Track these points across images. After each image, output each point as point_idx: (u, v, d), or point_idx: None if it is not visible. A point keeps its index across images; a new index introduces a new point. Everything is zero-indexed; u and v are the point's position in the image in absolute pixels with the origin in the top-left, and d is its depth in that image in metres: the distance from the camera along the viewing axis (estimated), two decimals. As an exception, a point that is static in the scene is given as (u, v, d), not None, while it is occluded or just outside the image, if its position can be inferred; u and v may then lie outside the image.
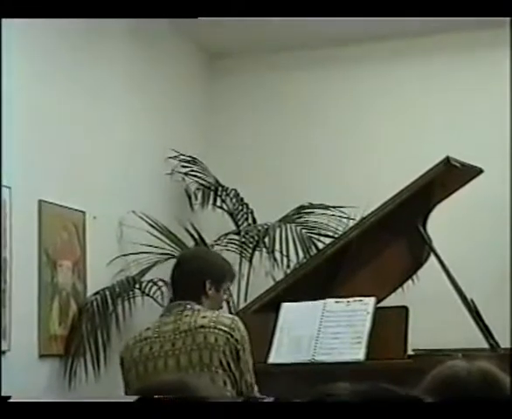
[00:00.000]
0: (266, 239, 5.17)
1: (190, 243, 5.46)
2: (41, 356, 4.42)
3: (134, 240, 5.09)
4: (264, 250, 5.23)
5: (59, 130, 4.65)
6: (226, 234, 5.43)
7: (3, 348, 4.10)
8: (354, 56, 5.91)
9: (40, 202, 4.46)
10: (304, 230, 5.26)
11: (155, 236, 5.22)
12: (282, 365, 3.50)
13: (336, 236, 4.88)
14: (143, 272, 5.04)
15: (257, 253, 5.30)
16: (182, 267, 3.18)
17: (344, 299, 3.75)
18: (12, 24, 4.08)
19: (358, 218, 4.65)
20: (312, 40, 5.83)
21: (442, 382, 1.56)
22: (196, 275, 3.09)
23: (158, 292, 5.09)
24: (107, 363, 4.71)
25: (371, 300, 3.70)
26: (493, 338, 3.94)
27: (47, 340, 4.45)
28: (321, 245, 5.04)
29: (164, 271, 5.16)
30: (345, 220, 5.26)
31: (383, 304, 3.92)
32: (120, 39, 5.23)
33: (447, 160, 3.95)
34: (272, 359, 3.64)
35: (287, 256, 5.15)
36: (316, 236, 5.26)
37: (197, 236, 5.49)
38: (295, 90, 6.01)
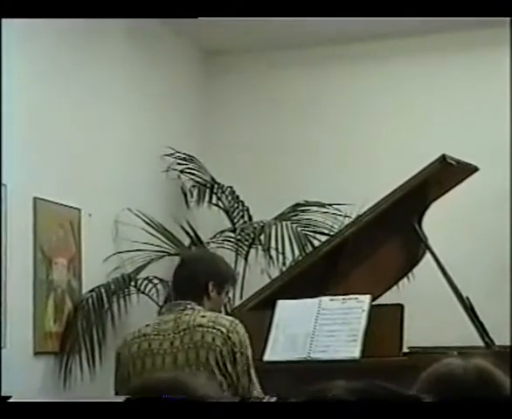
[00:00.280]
0: (262, 237, 5.17)
1: (186, 241, 5.46)
2: (36, 353, 4.42)
3: (130, 238, 5.08)
4: (259, 247, 5.23)
5: (55, 128, 4.65)
6: (222, 231, 5.43)
7: (-2, 346, 4.10)
8: (351, 54, 5.91)
9: (35, 199, 4.45)
10: (300, 228, 5.26)
11: (150, 233, 5.22)
12: (278, 362, 3.50)
13: (332, 233, 4.88)
14: (139, 270, 5.04)
15: (252, 251, 5.29)
16: (185, 267, 3.19)
17: (340, 297, 3.75)
18: (12, 24, 4.07)
19: (354, 216, 4.65)
20: (309, 38, 5.83)
21: (437, 380, 1.56)
22: (199, 276, 3.10)
23: (153, 290, 5.09)
24: (103, 360, 4.71)
25: (367, 298, 3.70)
26: (488, 335, 3.94)
27: (42, 337, 4.45)
28: (316, 243, 5.05)
29: (160, 268, 5.17)
30: (341, 218, 5.26)
31: (378, 301, 3.92)
32: (116, 38, 5.22)
33: (443, 158, 3.95)
34: (267, 356, 3.64)
35: (283, 253, 5.15)
36: (312, 234, 5.26)
37: (192, 233, 5.49)
38: (292, 88, 6.01)
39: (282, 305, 3.82)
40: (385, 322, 3.62)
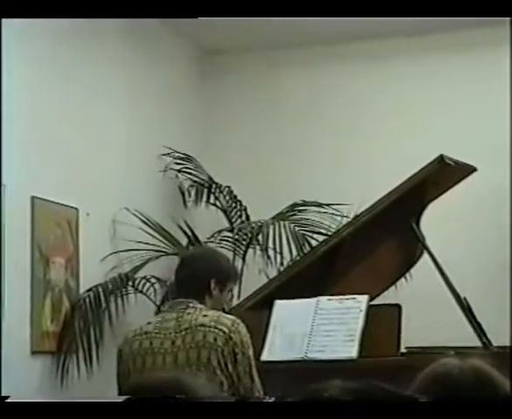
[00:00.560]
0: (260, 236, 5.17)
1: (184, 241, 5.46)
2: (33, 353, 4.41)
3: (128, 237, 5.08)
4: (257, 247, 5.23)
5: (53, 128, 4.65)
6: (220, 231, 5.43)
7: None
8: (350, 54, 5.90)
9: (33, 198, 4.45)
10: (297, 228, 5.26)
11: (148, 233, 5.22)
12: (275, 362, 3.50)
13: (330, 233, 4.87)
14: (136, 269, 5.04)
15: (250, 250, 5.29)
16: (187, 265, 3.17)
17: (337, 297, 3.75)
18: (11, 24, 4.07)
19: (352, 216, 4.65)
20: (308, 38, 5.82)
21: (434, 380, 1.56)
22: (201, 274, 3.08)
23: (151, 289, 5.09)
24: (100, 360, 4.70)
25: (364, 298, 3.70)
26: (485, 336, 3.94)
27: (39, 336, 4.45)
28: (314, 243, 5.04)
29: (157, 268, 5.17)
30: (339, 218, 5.26)
31: (376, 301, 3.92)
32: (114, 38, 5.22)
33: (441, 158, 3.95)
34: (265, 356, 3.64)
35: (281, 253, 5.15)
36: (310, 234, 5.26)
37: (190, 233, 5.49)
38: (290, 88, 6.01)
39: (280, 304, 3.82)
40: (383, 322, 3.62)
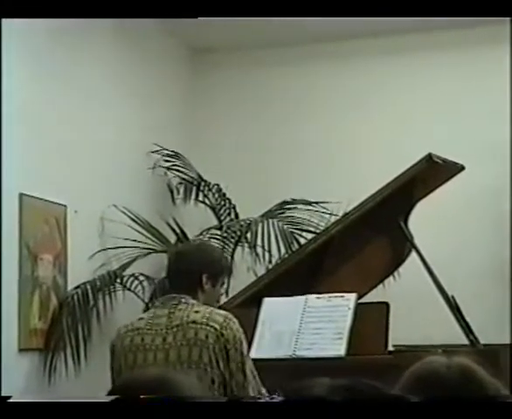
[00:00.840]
0: (249, 234, 5.17)
1: (172, 238, 5.45)
2: (21, 350, 4.40)
3: (116, 234, 5.07)
4: (246, 245, 5.23)
5: (41, 125, 4.63)
6: (208, 229, 5.42)
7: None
8: (339, 53, 5.91)
9: (21, 195, 4.43)
10: (286, 226, 5.26)
11: (136, 230, 5.21)
12: (263, 360, 3.50)
13: (318, 231, 4.88)
14: (124, 267, 5.03)
15: (239, 248, 5.29)
16: (179, 260, 3.14)
17: (326, 295, 3.75)
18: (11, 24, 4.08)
19: (340, 214, 4.66)
20: (296, 36, 5.83)
21: (421, 378, 1.56)
22: (192, 269, 3.05)
23: (139, 287, 5.08)
24: (88, 357, 4.70)
25: (353, 296, 3.70)
26: (473, 334, 3.96)
27: (27, 334, 4.43)
28: (303, 241, 5.05)
29: (145, 265, 5.16)
30: (327, 216, 5.26)
31: (364, 299, 3.93)
32: (104, 36, 5.21)
33: (429, 156, 3.96)
34: (253, 354, 3.63)
35: (269, 251, 5.16)
36: (298, 232, 5.26)
37: (178, 230, 5.48)
38: (278, 86, 6.01)
39: (268, 302, 3.82)
40: (371, 320, 3.63)
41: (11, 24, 4.17)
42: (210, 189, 5.56)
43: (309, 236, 5.00)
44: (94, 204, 5.00)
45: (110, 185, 5.17)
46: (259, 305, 3.82)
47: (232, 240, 5.30)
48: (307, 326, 3.69)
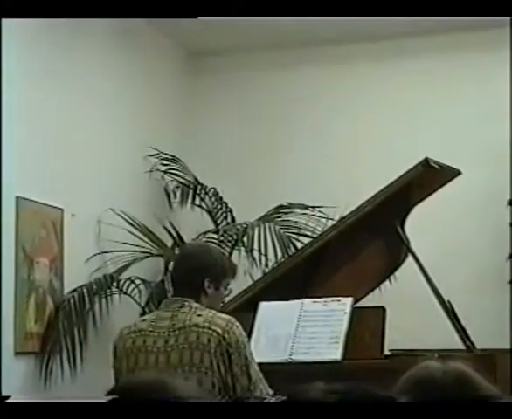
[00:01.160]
0: (245, 238, 5.17)
1: (169, 242, 5.45)
2: (17, 353, 4.39)
3: (113, 238, 5.07)
4: (242, 249, 5.23)
5: (38, 128, 4.63)
6: (205, 233, 5.42)
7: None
8: (336, 55, 5.91)
9: (18, 198, 4.43)
10: (283, 230, 5.26)
11: (133, 234, 5.21)
12: (259, 364, 3.50)
13: (315, 236, 4.88)
14: (121, 270, 5.03)
15: (235, 252, 5.29)
16: (182, 263, 3.12)
17: (322, 299, 3.75)
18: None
19: (337, 218, 4.66)
20: (292, 40, 5.83)
21: (416, 383, 1.56)
22: (194, 273, 3.04)
23: (136, 290, 5.08)
24: (84, 361, 4.69)
25: (349, 300, 3.70)
26: (469, 339, 3.96)
27: (23, 337, 4.43)
28: (299, 245, 5.05)
29: (142, 269, 5.16)
30: (324, 220, 5.26)
31: (360, 304, 3.93)
32: (100, 37, 5.21)
33: (426, 161, 3.96)
34: (249, 358, 3.63)
35: (266, 255, 5.15)
36: (295, 236, 5.26)
37: (175, 234, 5.48)
38: (275, 89, 6.01)
39: (264, 306, 3.82)
40: (367, 324, 3.63)
41: (11, 24, 4.16)
42: (206, 193, 5.56)
43: (306, 240, 5.00)
44: (91, 208, 5.00)
45: (107, 189, 5.17)
46: (255, 309, 3.82)
47: (229, 244, 5.30)
48: (304, 331, 3.69)
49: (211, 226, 5.53)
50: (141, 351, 2.97)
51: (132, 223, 5.22)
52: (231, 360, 2.90)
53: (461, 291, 4.92)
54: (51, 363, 4.58)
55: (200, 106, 6.10)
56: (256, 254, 5.17)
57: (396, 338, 3.92)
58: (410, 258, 4.17)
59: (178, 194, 5.62)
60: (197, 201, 5.58)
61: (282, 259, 4.97)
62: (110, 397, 1.52)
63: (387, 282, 4.41)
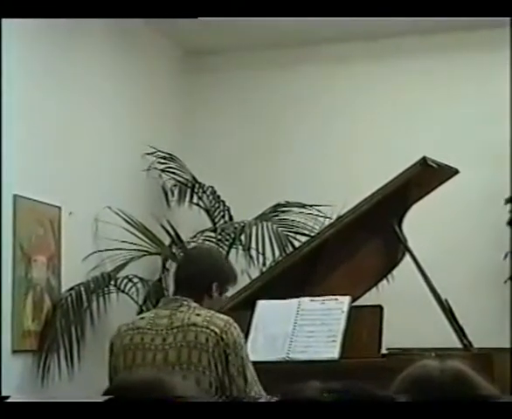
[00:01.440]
0: (243, 237, 5.17)
1: (166, 240, 5.45)
2: (14, 352, 4.39)
3: (110, 236, 5.07)
4: (240, 247, 5.23)
5: (35, 125, 4.63)
6: (202, 231, 5.42)
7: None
8: (335, 55, 5.91)
9: (16, 196, 4.43)
10: (280, 228, 5.27)
11: (130, 232, 5.21)
12: (257, 363, 3.50)
13: (313, 234, 4.88)
14: (118, 269, 5.02)
15: (233, 251, 5.29)
16: (190, 264, 3.12)
17: (319, 298, 3.75)
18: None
19: (335, 217, 4.66)
20: (291, 39, 5.83)
21: (414, 381, 1.56)
22: (204, 276, 3.05)
23: (133, 289, 5.08)
24: (81, 359, 4.69)
25: (346, 299, 3.71)
26: (466, 338, 3.96)
27: (20, 335, 4.43)
28: (297, 243, 5.05)
29: (140, 267, 5.16)
30: (321, 219, 5.27)
31: (358, 303, 3.93)
32: (99, 37, 5.21)
33: (424, 160, 3.96)
34: (246, 357, 3.63)
35: (263, 254, 5.16)
36: (293, 235, 5.26)
37: (173, 233, 5.48)
38: (273, 88, 6.01)
39: (262, 305, 3.82)
40: (365, 323, 3.63)
41: (11, 24, 4.16)
42: (204, 192, 5.56)
43: (303, 238, 5.00)
44: (89, 206, 4.99)
45: (104, 187, 5.17)
46: (252, 307, 3.82)
47: (226, 242, 5.30)
48: (301, 329, 3.69)
49: (209, 224, 5.53)
50: (139, 348, 2.97)
51: (129, 221, 5.22)
52: (229, 361, 2.91)
53: (459, 290, 4.92)
54: (49, 361, 4.57)
55: (198, 106, 6.10)
56: (254, 253, 5.17)
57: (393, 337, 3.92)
58: (407, 257, 4.17)
59: (176, 192, 5.62)
60: (195, 199, 5.58)
61: (280, 258, 4.98)
62: (108, 397, 1.52)
63: (384, 281, 4.42)
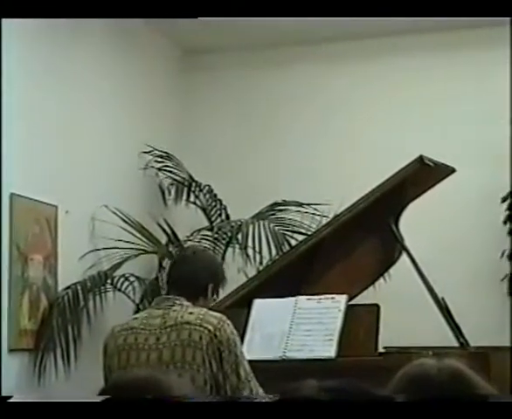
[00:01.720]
0: (239, 235, 5.17)
1: (163, 239, 5.45)
2: (10, 351, 4.39)
3: (107, 235, 5.06)
4: (237, 246, 5.23)
5: (33, 125, 4.62)
6: (199, 230, 5.42)
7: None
8: (331, 54, 5.91)
9: (12, 195, 4.42)
10: (277, 227, 5.27)
11: (127, 231, 5.20)
12: (253, 361, 3.50)
13: (309, 233, 4.88)
14: (115, 267, 5.02)
15: (230, 249, 5.29)
16: (186, 265, 3.13)
17: (316, 297, 3.75)
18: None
19: (331, 216, 4.66)
20: (287, 38, 5.83)
21: (411, 380, 1.56)
22: (200, 277, 3.07)
23: (130, 288, 5.07)
24: (78, 358, 4.69)
25: (343, 298, 3.71)
26: (463, 336, 3.97)
27: (17, 334, 4.42)
28: (294, 242, 5.05)
29: (136, 266, 5.15)
30: (318, 217, 5.27)
31: (354, 301, 3.93)
32: (98, 37, 5.20)
33: (420, 158, 3.96)
34: (243, 355, 3.63)
35: (260, 252, 5.16)
36: (289, 233, 5.26)
37: (169, 231, 5.48)
38: (269, 88, 6.01)
39: (259, 304, 3.82)
40: (361, 322, 3.63)
41: (11, 24, 4.15)
42: (201, 190, 5.55)
43: (300, 237, 5.00)
44: (85, 205, 4.99)
45: (101, 185, 5.16)
46: (249, 306, 3.81)
47: (223, 241, 5.31)
48: (298, 328, 3.69)
49: (206, 223, 5.53)
50: (133, 348, 2.98)
51: (126, 220, 5.21)
52: (222, 358, 2.92)
53: (457, 288, 4.93)
54: (45, 360, 4.57)
55: (196, 104, 6.10)
56: (250, 251, 5.17)
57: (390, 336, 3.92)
58: (404, 256, 4.17)
59: (173, 191, 5.62)
60: (192, 198, 5.58)
61: (276, 257, 4.98)
62: (104, 397, 1.52)
63: (381, 280, 4.42)
